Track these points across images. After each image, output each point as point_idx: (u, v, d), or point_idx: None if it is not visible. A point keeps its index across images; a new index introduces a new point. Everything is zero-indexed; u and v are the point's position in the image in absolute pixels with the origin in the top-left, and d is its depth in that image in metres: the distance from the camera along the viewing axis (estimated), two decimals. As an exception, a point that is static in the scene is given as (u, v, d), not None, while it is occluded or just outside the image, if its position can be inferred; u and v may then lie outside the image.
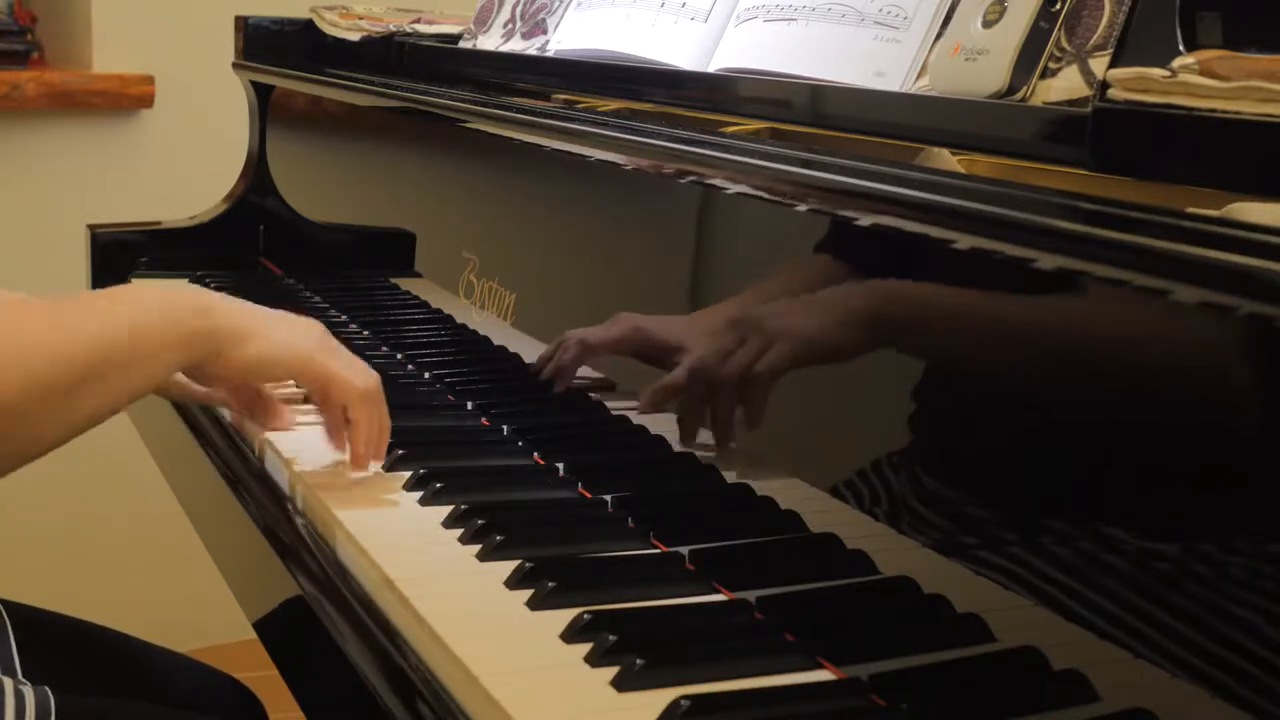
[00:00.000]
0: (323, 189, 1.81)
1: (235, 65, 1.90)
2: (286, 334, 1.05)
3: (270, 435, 1.15)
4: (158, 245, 1.84)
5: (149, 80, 2.39)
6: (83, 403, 0.94)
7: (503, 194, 1.35)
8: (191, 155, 2.42)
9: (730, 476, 0.97)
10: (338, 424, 1.08)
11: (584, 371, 1.13)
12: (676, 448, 1.02)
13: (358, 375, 1.07)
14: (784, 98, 1.05)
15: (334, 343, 1.09)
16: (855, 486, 0.85)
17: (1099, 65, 0.81)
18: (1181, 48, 0.74)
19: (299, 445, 1.13)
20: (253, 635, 1.09)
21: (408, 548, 0.95)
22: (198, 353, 1.02)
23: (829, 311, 0.89)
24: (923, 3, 1.00)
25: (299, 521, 1.05)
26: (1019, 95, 0.85)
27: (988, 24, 0.88)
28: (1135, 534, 0.68)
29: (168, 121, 2.43)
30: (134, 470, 1.83)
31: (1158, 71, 0.73)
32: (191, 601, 2.46)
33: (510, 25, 1.50)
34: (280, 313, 1.08)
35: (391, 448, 1.11)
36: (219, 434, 1.24)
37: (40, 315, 0.95)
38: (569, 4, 1.39)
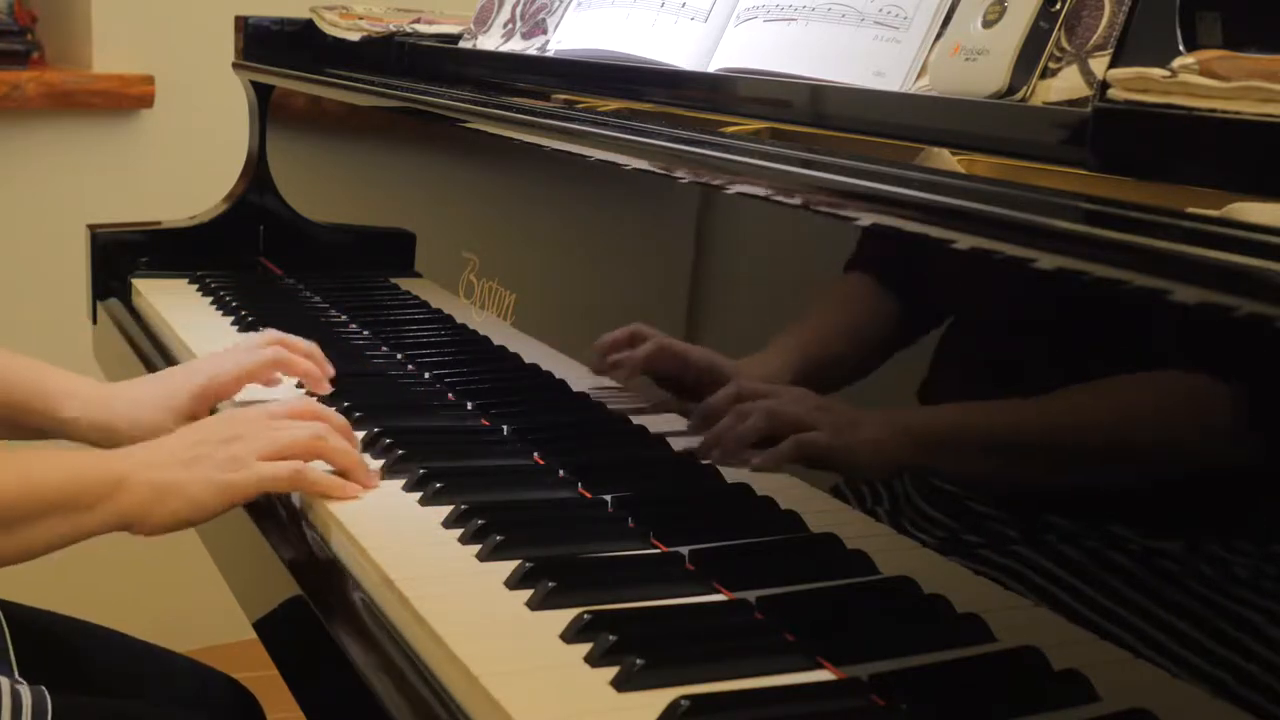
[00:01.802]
0: (323, 189, 1.81)
1: (235, 65, 1.90)
2: (205, 472, 1.00)
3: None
4: (158, 245, 1.84)
5: (149, 80, 2.39)
6: (11, 543, 0.97)
7: (503, 194, 1.35)
8: (191, 155, 2.42)
9: (730, 476, 0.97)
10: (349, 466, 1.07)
11: (584, 373, 1.13)
12: (676, 448, 1.02)
13: (292, 454, 1.03)
14: (784, 98, 1.05)
15: (261, 421, 1.05)
16: (855, 486, 0.85)
17: (1099, 65, 0.81)
18: (1181, 48, 0.74)
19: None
20: (253, 635, 1.09)
21: (408, 548, 0.95)
22: (116, 521, 0.99)
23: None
24: (923, 3, 1.00)
25: (299, 521, 1.04)
26: (1019, 95, 0.85)
27: (988, 24, 0.88)
28: (1135, 534, 0.68)
29: (168, 121, 2.43)
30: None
31: (1158, 71, 0.73)
32: (191, 601, 2.46)
33: (510, 25, 1.50)
34: (196, 431, 1.05)
35: (391, 448, 1.11)
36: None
37: None
38: (569, 4, 1.39)
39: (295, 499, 1.07)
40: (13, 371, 1.22)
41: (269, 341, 1.27)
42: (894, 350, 0.85)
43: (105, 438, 1.19)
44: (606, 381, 1.11)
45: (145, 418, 1.19)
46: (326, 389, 1.27)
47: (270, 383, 1.27)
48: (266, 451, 1.02)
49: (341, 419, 1.10)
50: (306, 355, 1.28)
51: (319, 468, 1.05)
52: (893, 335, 0.85)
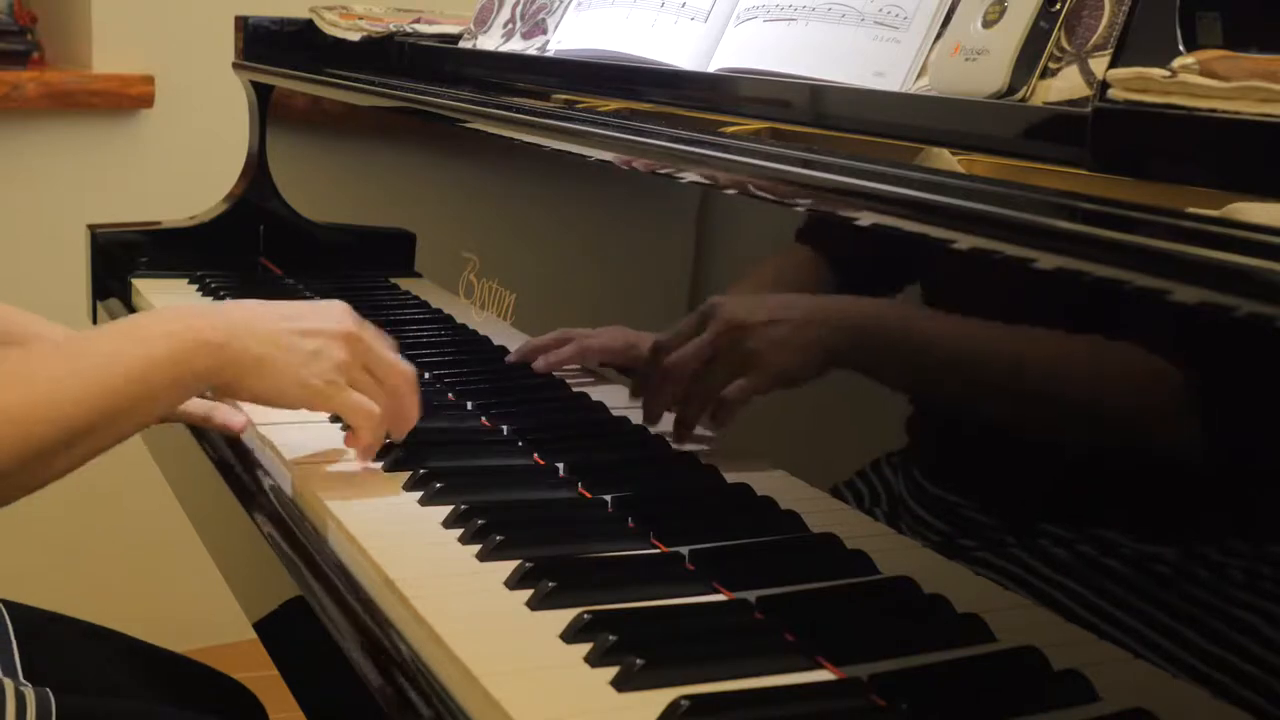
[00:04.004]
0: (323, 189, 1.81)
1: (235, 65, 1.90)
2: (299, 370, 1.03)
3: (269, 434, 1.15)
4: (158, 245, 1.84)
5: (149, 80, 2.39)
6: (76, 454, 0.95)
7: (503, 194, 1.35)
8: (191, 155, 2.42)
9: (730, 477, 0.97)
10: (363, 445, 1.08)
11: (584, 374, 1.13)
12: (676, 448, 1.02)
13: (370, 403, 1.06)
14: (784, 98, 1.05)
15: (355, 361, 1.06)
16: (855, 486, 0.85)
17: (1099, 65, 0.81)
18: (1181, 48, 0.74)
19: (299, 443, 1.13)
20: (253, 635, 1.09)
21: (408, 548, 0.95)
22: (204, 387, 1.03)
23: (815, 321, 0.90)
24: (923, 3, 1.00)
25: (299, 522, 1.04)
26: (1019, 95, 0.85)
27: (988, 24, 0.88)
28: (1135, 534, 0.68)
29: (168, 121, 2.43)
30: (135, 471, 1.83)
31: (1158, 71, 0.72)
32: (191, 601, 2.46)
33: (510, 25, 1.50)
34: (303, 330, 1.05)
35: (391, 447, 1.11)
36: (219, 434, 1.24)
37: (42, 373, 0.95)
38: (569, 4, 1.39)
39: (298, 500, 1.07)
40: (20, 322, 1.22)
41: None
42: (892, 350, 0.85)
43: None
44: (607, 382, 1.11)
45: None
46: None
47: None
48: (351, 393, 1.05)
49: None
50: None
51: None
52: (891, 335, 0.85)
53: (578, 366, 1.15)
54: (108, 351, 0.98)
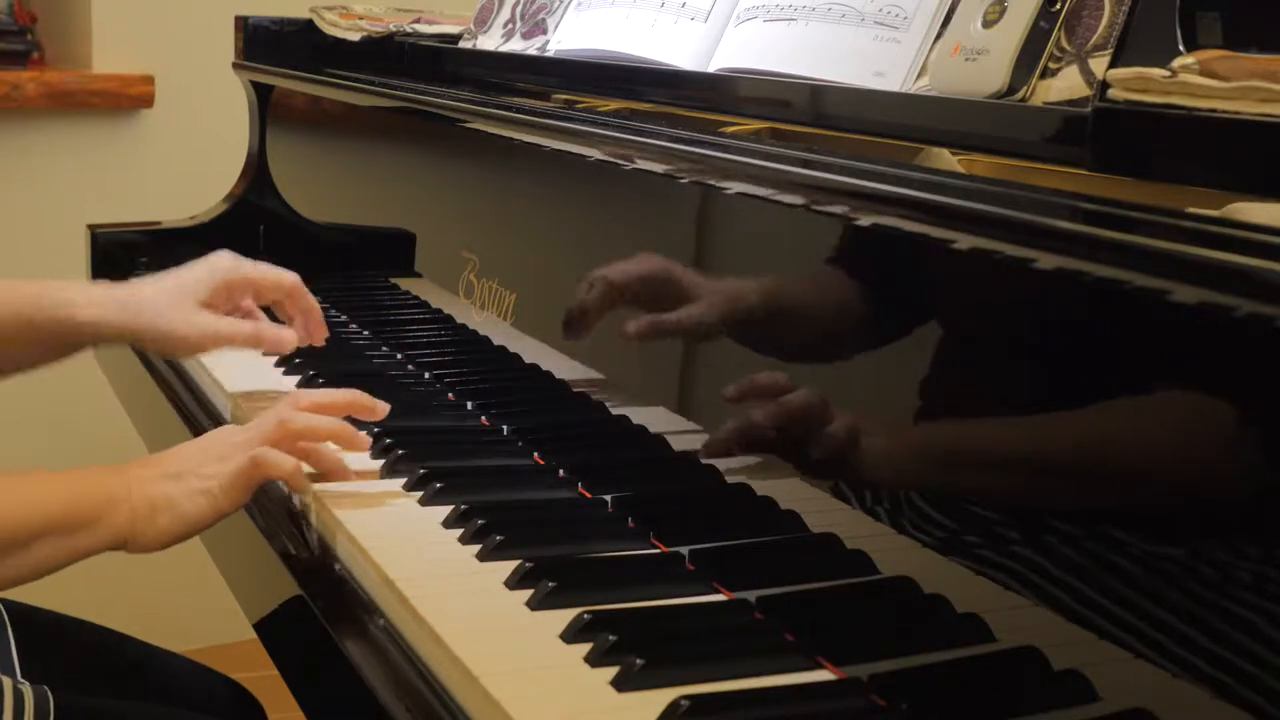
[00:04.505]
0: (323, 189, 1.81)
1: (235, 65, 1.90)
2: (193, 483, 0.99)
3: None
4: (158, 245, 1.84)
5: (149, 80, 2.39)
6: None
7: (503, 194, 1.35)
8: (191, 155, 2.41)
9: (730, 477, 0.97)
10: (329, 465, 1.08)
11: (584, 373, 1.13)
12: (676, 448, 1.02)
13: (275, 444, 1.02)
14: (784, 98, 1.05)
15: (229, 431, 1.04)
16: (855, 486, 0.85)
17: (1099, 65, 0.81)
18: (1181, 48, 0.74)
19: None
20: (252, 635, 1.09)
21: (408, 548, 0.95)
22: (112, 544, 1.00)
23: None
24: (923, 3, 1.00)
25: (299, 522, 1.04)
26: (1019, 95, 0.85)
27: (988, 24, 0.88)
28: (1135, 534, 0.68)
29: (168, 121, 2.43)
30: (134, 470, 1.82)
31: (1158, 71, 0.72)
32: (191, 601, 2.45)
33: (510, 25, 1.50)
34: (193, 448, 1.02)
35: (391, 448, 1.11)
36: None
37: None
38: (569, 4, 1.39)
39: (297, 500, 1.07)
40: (24, 289, 1.21)
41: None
42: (890, 350, 0.85)
43: (129, 339, 1.24)
44: (607, 382, 1.11)
45: (164, 320, 1.20)
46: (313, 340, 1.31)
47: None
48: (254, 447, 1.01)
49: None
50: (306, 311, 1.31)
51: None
52: (889, 336, 0.85)
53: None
54: (37, 479, 0.98)
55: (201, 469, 1.00)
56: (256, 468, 1.00)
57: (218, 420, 1.29)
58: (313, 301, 1.29)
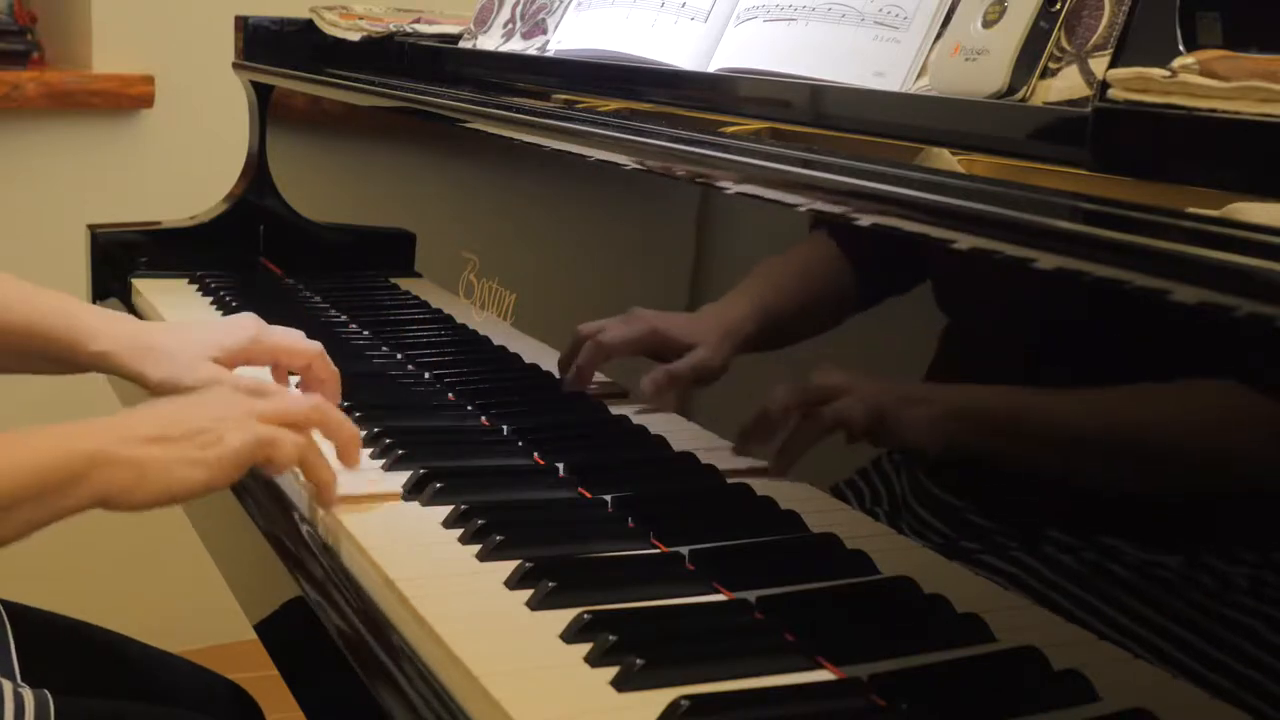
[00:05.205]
0: (323, 189, 1.81)
1: (235, 65, 1.90)
2: (186, 451, 0.95)
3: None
4: (158, 245, 1.84)
5: (149, 80, 2.39)
6: None
7: (503, 194, 1.35)
8: (191, 155, 2.42)
9: (730, 477, 0.97)
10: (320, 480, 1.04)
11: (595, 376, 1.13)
12: (676, 448, 1.02)
13: (289, 429, 1.00)
14: (784, 98, 1.05)
15: (240, 398, 1.01)
16: (855, 486, 0.85)
17: (1099, 65, 0.81)
18: (1181, 48, 0.74)
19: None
20: (252, 635, 1.09)
21: (408, 548, 0.95)
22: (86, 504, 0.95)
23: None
24: (923, 3, 1.00)
25: (300, 523, 1.04)
26: (1019, 95, 0.85)
27: (988, 24, 0.88)
28: (1135, 534, 0.68)
29: (168, 121, 2.43)
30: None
31: (1158, 71, 0.72)
32: (191, 601, 2.46)
33: (510, 25, 1.50)
34: (176, 417, 0.97)
35: (391, 448, 1.11)
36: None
37: None
38: (569, 4, 1.39)
39: (298, 501, 1.07)
40: (42, 302, 1.20)
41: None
42: (890, 351, 0.85)
43: (133, 379, 1.19)
44: (607, 382, 1.11)
45: (179, 371, 1.17)
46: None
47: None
48: (253, 423, 0.99)
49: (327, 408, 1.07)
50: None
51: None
52: (888, 336, 0.85)
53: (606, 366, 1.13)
54: (9, 440, 0.93)
55: (201, 435, 0.96)
56: (264, 450, 0.98)
57: None
58: (333, 371, 1.22)
